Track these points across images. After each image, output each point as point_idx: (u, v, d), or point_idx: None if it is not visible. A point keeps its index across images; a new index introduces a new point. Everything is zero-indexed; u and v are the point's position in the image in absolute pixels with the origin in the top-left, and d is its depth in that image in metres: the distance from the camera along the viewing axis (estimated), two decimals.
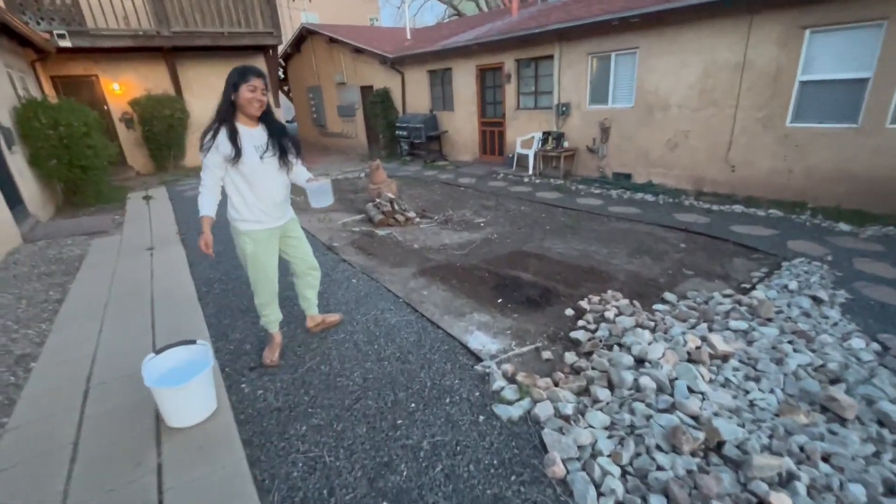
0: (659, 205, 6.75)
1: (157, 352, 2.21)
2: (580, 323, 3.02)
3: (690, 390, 2.17)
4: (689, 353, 2.50)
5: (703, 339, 2.64)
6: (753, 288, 3.74)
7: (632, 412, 2.05)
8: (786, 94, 6.12)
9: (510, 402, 2.20)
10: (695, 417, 1.96)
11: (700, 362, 2.43)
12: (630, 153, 7.98)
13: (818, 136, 5.96)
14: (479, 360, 2.57)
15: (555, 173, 8.81)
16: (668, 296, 3.62)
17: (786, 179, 6.35)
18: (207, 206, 2.28)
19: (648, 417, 1.99)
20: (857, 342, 2.76)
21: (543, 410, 2.08)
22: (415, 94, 12.20)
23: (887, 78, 5.33)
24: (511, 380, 2.38)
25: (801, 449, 1.80)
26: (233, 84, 2.15)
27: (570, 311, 3.18)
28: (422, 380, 2.40)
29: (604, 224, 5.88)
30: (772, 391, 2.23)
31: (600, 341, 2.71)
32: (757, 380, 2.31)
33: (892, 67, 5.27)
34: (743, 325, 2.96)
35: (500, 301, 3.38)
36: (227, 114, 2.18)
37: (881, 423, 2.02)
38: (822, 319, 3.10)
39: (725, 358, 2.51)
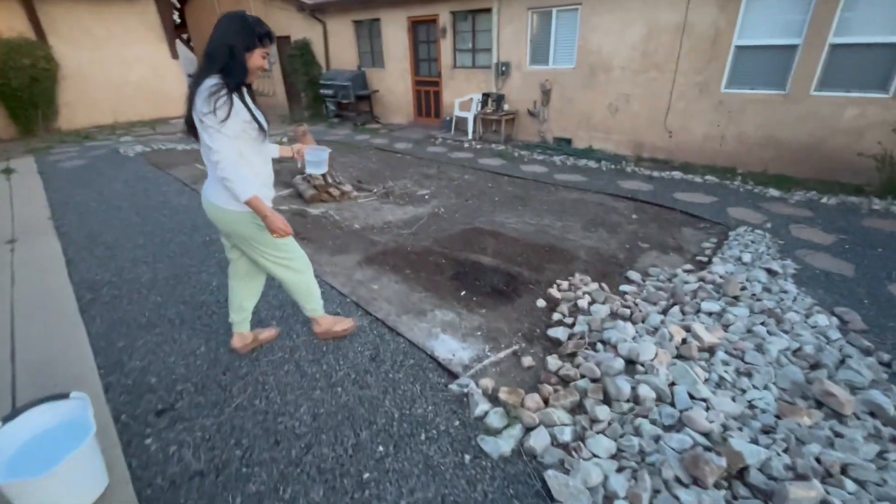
0: (602, 171, 6.67)
1: (7, 418, 1.53)
2: (555, 316, 2.73)
3: (692, 397, 1.96)
4: (677, 349, 2.30)
5: (688, 329, 2.46)
6: (710, 262, 3.70)
7: (637, 432, 1.79)
8: (722, 58, 6.15)
9: (498, 432, 1.84)
10: (706, 434, 1.74)
11: (690, 358, 2.24)
12: (571, 117, 7.78)
13: (749, 102, 6.11)
14: (452, 375, 2.17)
15: (496, 138, 8.43)
16: (632, 274, 3.46)
17: (718, 145, 6.51)
18: (252, 184, 1.82)
19: (657, 439, 1.74)
20: (821, 319, 2.76)
21: (539, 440, 1.76)
22: (340, 48, 10.99)
23: (814, 44, 5.48)
24: (494, 399, 2.02)
25: (819, 461, 1.65)
26: (248, 45, 1.75)
27: (541, 302, 2.87)
28: (387, 410, 1.96)
29: (552, 194, 5.65)
30: (766, 387, 2.10)
31: (582, 339, 2.43)
32: (749, 374, 2.17)
33: (820, 34, 5.42)
34: (715, 306, 2.84)
35: (463, 293, 2.98)
36: (242, 76, 1.77)
37: (873, 415, 1.95)
38: (782, 294, 3.10)
39: (712, 350, 2.35)
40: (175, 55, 11.33)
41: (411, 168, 6.91)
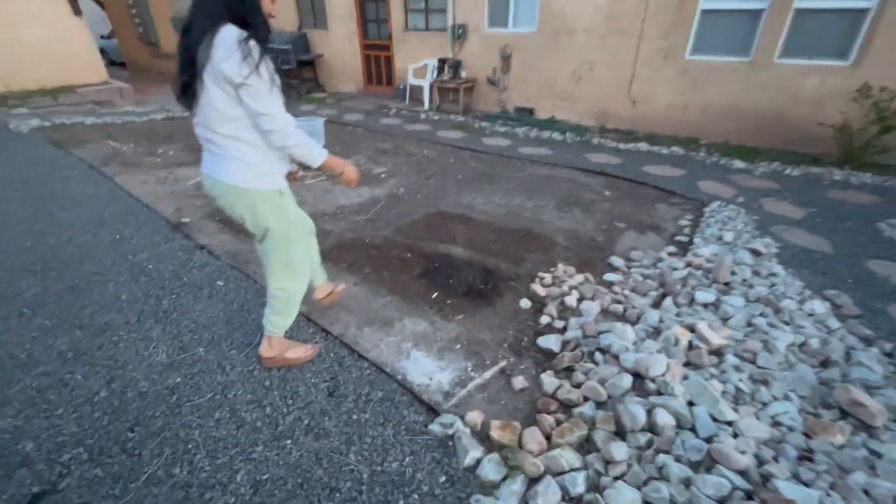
0: (568, 144, 6.35)
1: None
2: (543, 319, 2.37)
3: (714, 419, 1.67)
4: (686, 356, 2.01)
5: (692, 329, 2.19)
6: (691, 242, 3.49)
7: (663, 475, 1.48)
8: (688, 22, 5.88)
9: (495, 487, 1.47)
10: (742, 472, 1.46)
11: (701, 367, 1.96)
12: (533, 85, 7.35)
13: (714, 69, 5.93)
14: (431, 410, 1.77)
15: (454, 108, 7.87)
16: (615, 260, 3.17)
17: (682, 115, 6.34)
18: (317, 144, 1.66)
19: (687, 483, 1.43)
20: (817, 305, 2.59)
21: (547, 496, 1.40)
22: (276, 4, 9.80)
23: (780, 9, 5.31)
24: (485, 438, 1.65)
25: (867, 493, 1.42)
26: None
27: (525, 302, 2.51)
28: (353, 468, 1.53)
29: (520, 169, 5.27)
30: (786, 397, 1.86)
31: (578, 349, 2.10)
32: (765, 382, 1.92)
33: None
34: (709, 295, 2.60)
35: (435, 295, 2.56)
36: (266, 27, 1.50)
37: None
38: (772, 278, 2.92)
39: (720, 352, 2.08)
40: (78, 11, 9.66)
41: (364, 143, 6.27)
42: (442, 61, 7.73)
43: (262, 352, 1.98)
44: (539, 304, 2.50)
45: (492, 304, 2.48)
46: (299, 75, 9.65)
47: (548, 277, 2.79)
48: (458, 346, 2.16)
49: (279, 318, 1.93)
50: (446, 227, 3.54)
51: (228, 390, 1.85)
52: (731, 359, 2.05)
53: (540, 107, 7.45)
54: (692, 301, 2.62)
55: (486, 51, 7.53)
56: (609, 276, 2.98)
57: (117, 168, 4.59)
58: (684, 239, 3.62)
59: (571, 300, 2.52)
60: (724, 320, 2.43)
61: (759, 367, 2.01)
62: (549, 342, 2.15)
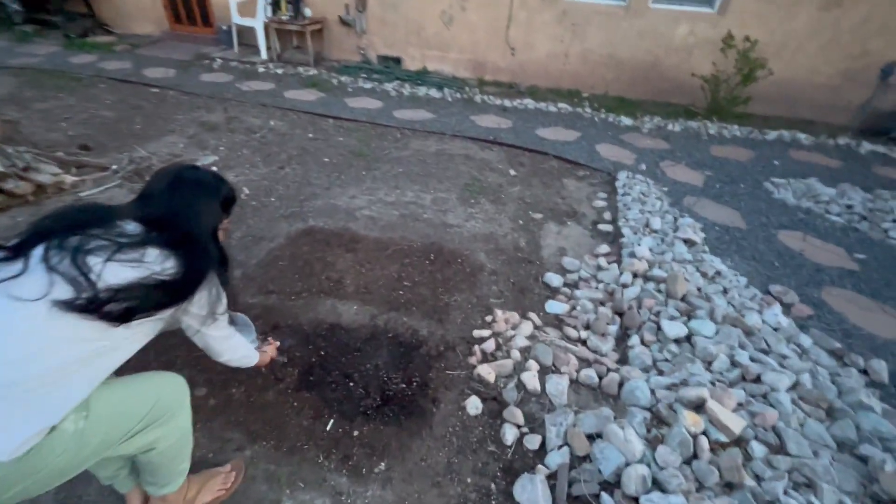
0: (449, 102, 5.42)
1: None
2: (506, 434, 1.56)
3: None
4: (717, 468, 1.43)
5: (700, 406, 1.62)
6: (619, 234, 3.00)
7: None
8: None
9: None
10: None
11: (740, 485, 1.40)
12: (398, 28, 6.11)
13: (593, 13, 5.44)
14: None
15: (301, 58, 6.24)
16: (552, 278, 2.52)
17: (562, 65, 5.85)
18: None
19: None
20: (778, 316, 2.28)
21: None
22: None
23: None
24: None
25: None
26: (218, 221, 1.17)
27: (474, 404, 1.65)
28: None
29: (402, 143, 4.23)
30: None
31: (572, 489, 1.37)
32: (810, 486, 1.44)
33: None
34: (678, 327, 2.10)
35: (330, 425, 1.55)
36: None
37: None
38: (718, 279, 2.56)
39: (741, 441, 1.56)
40: None
41: (180, 113, 4.49)
42: None
43: None
44: (493, 401, 1.69)
45: (425, 419, 1.59)
46: (65, 8, 6.71)
47: (488, 338, 1.98)
48: None
49: (168, 474, 1.16)
50: (324, 259, 2.44)
51: None
52: (756, 448, 1.54)
53: (408, 56, 6.28)
54: (661, 338, 2.09)
55: None
56: (553, 307, 2.31)
57: None
58: (608, 228, 3.12)
59: (531, 377, 1.77)
60: (707, 363, 1.94)
61: (790, 456, 1.54)
62: (533, 490, 1.37)
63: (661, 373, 1.91)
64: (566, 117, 5.18)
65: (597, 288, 2.50)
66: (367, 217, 2.96)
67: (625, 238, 2.92)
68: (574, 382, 1.81)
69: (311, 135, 4.28)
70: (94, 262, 0.85)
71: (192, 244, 1.00)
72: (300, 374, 1.70)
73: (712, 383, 1.82)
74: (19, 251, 0.86)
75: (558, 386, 1.74)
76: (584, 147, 4.44)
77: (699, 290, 2.42)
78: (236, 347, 1.25)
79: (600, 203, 3.47)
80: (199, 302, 1.03)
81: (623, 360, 2.00)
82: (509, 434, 1.55)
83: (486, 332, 2.00)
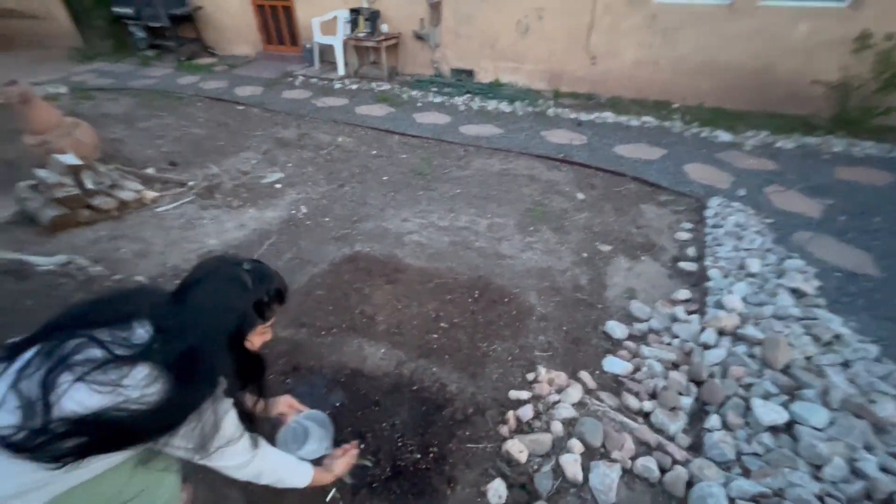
0: (519, 116, 5.15)
1: None
2: None
3: None
4: None
5: None
6: (704, 276, 2.53)
7: None
8: None
9: None
10: None
11: None
12: (471, 41, 5.97)
13: (688, 16, 4.85)
14: None
15: (376, 73, 6.35)
16: (614, 328, 2.16)
17: (651, 73, 5.29)
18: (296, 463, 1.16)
19: None
20: None
21: None
22: None
23: None
24: None
25: None
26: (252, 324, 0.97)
27: (497, 491, 1.39)
28: None
29: (464, 162, 4.05)
30: None
31: None
32: None
33: None
34: (775, 412, 1.65)
35: (331, 496, 1.39)
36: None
37: None
38: (836, 345, 2.01)
39: None
40: None
41: (259, 130, 4.74)
42: (355, 12, 6.08)
43: None
44: (521, 489, 1.42)
45: (438, 502, 1.36)
46: (178, 35, 7.54)
47: (526, 402, 1.70)
48: None
49: None
50: (362, 290, 2.32)
51: None
52: None
53: (480, 68, 6.11)
54: (751, 423, 1.65)
55: None
56: (612, 365, 1.96)
57: None
58: (692, 267, 2.65)
59: (572, 462, 1.46)
60: (817, 468, 1.49)
61: None
62: None
63: (746, 473, 1.50)
64: (650, 132, 4.65)
65: (670, 345, 2.10)
66: (415, 243, 2.81)
67: (711, 282, 2.46)
68: (627, 473, 1.47)
69: (374, 151, 4.27)
70: (64, 381, 0.74)
71: (193, 364, 0.83)
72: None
73: (821, 499, 1.38)
74: (14, 352, 0.78)
75: (606, 478, 1.42)
76: (668, 167, 3.92)
77: (808, 360, 1.91)
78: (262, 474, 1.06)
79: (684, 235, 2.99)
80: (186, 435, 0.85)
81: (696, 448, 1.61)
82: None
83: (524, 395, 1.73)
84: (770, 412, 1.64)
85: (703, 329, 2.10)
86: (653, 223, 3.16)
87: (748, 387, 1.80)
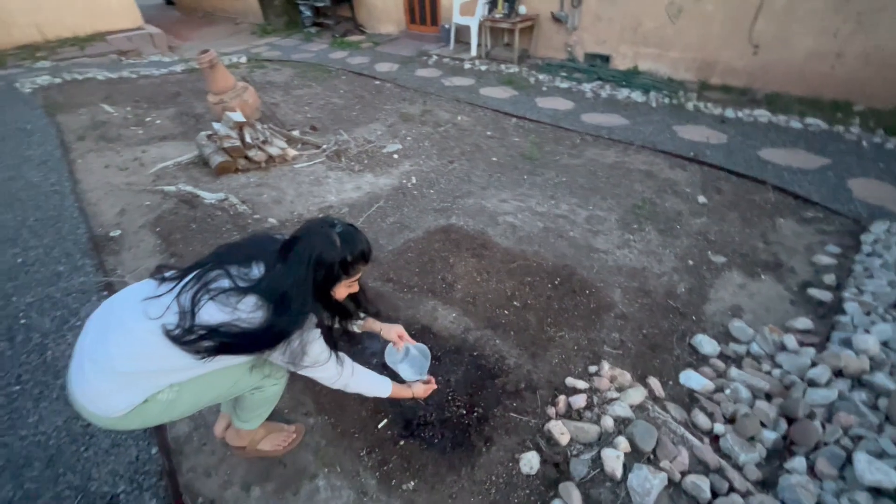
0: (652, 109, 4.76)
1: None
2: None
3: None
4: None
5: None
6: (839, 307, 2.14)
7: None
8: None
9: None
10: None
11: None
12: (613, 24, 5.61)
13: None
14: None
15: (507, 54, 6.35)
16: (703, 343, 1.98)
17: (829, 67, 4.43)
18: (377, 377, 1.39)
19: None
20: None
21: None
22: None
23: None
24: None
25: None
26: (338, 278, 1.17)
27: (530, 461, 1.44)
28: None
29: (578, 150, 3.92)
30: None
31: None
32: None
33: None
34: (884, 471, 1.38)
35: (382, 424, 1.57)
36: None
37: None
38: None
39: None
40: None
41: (389, 104, 5.14)
42: None
43: (230, 439, 1.50)
44: (554, 467, 1.44)
45: (470, 457, 1.46)
46: (336, 14, 8.41)
47: (581, 391, 1.68)
48: None
49: (249, 415, 1.39)
50: (448, 260, 2.47)
51: None
52: None
53: (619, 53, 5.73)
54: (848, 478, 1.42)
55: None
56: (690, 379, 1.82)
57: (90, 145, 3.94)
58: (825, 296, 2.27)
59: (614, 457, 1.43)
60: None
61: None
62: None
63: None
64: (814, 137, 3.95)
65: (769, 374, 1.86)
66: (508, 224, 2.86)
67: (846, 316, 2.09)
68: (674, 485, 1.39)
69: (489, 132, 4.35)
70: (203, 299, 1.03)
71: (285, 305, 1.06)
72: (378, 366, 1.78)
73: None
74: (185, 274, 1.10)
75: (647, 483, 1.37)
76: (828, 179, 3.32)
77: None
78: (348, 386, 1.30)
79: (825, 260, 2.55)
80: (282, 351, 1.11)
81: (768, 486, 1.44)
82: None
83: (581, 384, 1.71)
84: (876, 472, 1.39)
85: (814, 364, 1.81)
86: (787, 241, 2.74)
87: (856, 439, 1.53)
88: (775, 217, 2.96)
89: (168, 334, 1.00)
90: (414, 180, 3.51)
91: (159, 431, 1.56)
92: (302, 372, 1.19)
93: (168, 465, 1.45)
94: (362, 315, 1.43)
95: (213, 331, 1.01)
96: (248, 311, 1.03)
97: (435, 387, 1.50)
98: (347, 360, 1.28)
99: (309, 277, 1.08)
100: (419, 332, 1.95)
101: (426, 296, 2.19)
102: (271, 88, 5.56)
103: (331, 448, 1.51)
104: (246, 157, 3.47)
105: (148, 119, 4.54)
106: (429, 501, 1.36)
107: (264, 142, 3.60)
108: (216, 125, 3.53)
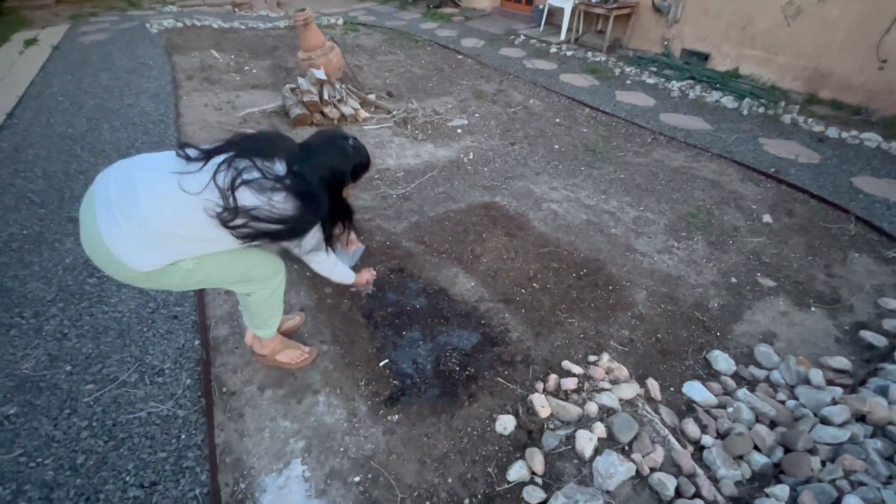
0: (741, 116, 4.42)
1: None
2: (514, 471, 1.42)
3: None
4: None
5: None
6: (892, 357, 1.97)
7: None
8: None
9: None
10: None
11: None
12: (718, 20, 5.20)
13: None
14: None
15: (597, 42, 6.12)
16: (718, 358, 1.93)
17: None
18: (340, 265, 1.62)
19: None
20: None
21: None
22: None
23: None
24: None
25: None
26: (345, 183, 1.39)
27: (506, 422, 1.55)
28: None
29: (645, 150, 3.77)
30: None
31: None
32: None
33: None
34: None
35: (384, 363, 1.75)
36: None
37: None
38: None
39: None
40: None
41: (465, 79, 5.21)
42: None
43: (255, 347, 1.71)
44: (526, 433, 1.53)
45: (453, 407, 1.59)
46: None
47: (573, 376, 1.74)
48: (359, 478, 1.40)
49: (258, 320, 1.59)
50: (481, 234, 2.56)
51: None
52: None
53: (720, 52, 5.31)
54: None
55: None
56: (693, 390, 1.80)
57: (195, 84, 4.45)
58: (878, 341, 2.09)
59: (587, 439, 1.49)
60: None
61: None
62: None
63: None
64: None
65: (781, 402, 1.78)
66: (551, 211, 2.88)
67: (894, 366, 1.92)
68: (639, 478, 1.43)
69: (558, 119, 4.30)
70: (239, 183, 1.16)
71: (310, 199, 1.23)
72: (391, 314, 1.95)
73: None
74: (209, 155, 1.24)
75: (612, 468, 1.42)
76: None
77: None
78: (332, 272, 1.57)
79: (891, 303, 2.32)
80: (302, 241, 1.34)
81: None
82: (516, 472, 1.40)
83: (577, 369, 1.76)
84: None
85: (833, 403, 1.71)
86: (855, 277, 2.51)
87: (856, 484, 1.46)
88: (849, 250, 2.70)
89: (218, 217, 1.13)
90: (471, 156, 3.59)
91: (203, 331, 1.85)
92: (305, 257, 1.44)
93: (206, 357, 1.73)
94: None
95: (247, 212, 1.14)
96: (280, 202, 1.18)
97: (373, 276, 1.79)
98: (332, 254, 1.52)
99: (328, 180, 1.28)
100: (435, 292, 2.09)
101: (452, 262, 2.31)
102: (359, 51, 5.84)
103: (336, 373, 1.72)
104: (321, 113, 3.74)
105: (246, 67, 5.00)
106: (407, 434, 1.52)
107: (340, 100, 3.86)
108: (300, 80, 3.83)
